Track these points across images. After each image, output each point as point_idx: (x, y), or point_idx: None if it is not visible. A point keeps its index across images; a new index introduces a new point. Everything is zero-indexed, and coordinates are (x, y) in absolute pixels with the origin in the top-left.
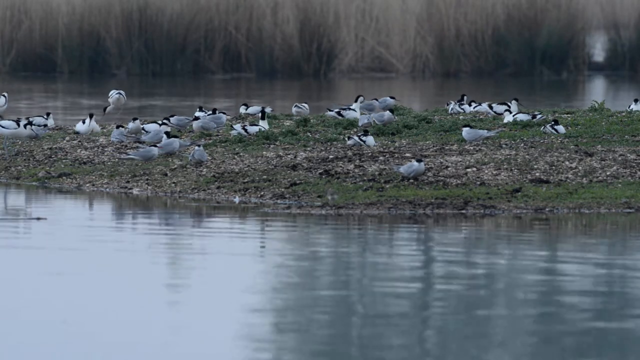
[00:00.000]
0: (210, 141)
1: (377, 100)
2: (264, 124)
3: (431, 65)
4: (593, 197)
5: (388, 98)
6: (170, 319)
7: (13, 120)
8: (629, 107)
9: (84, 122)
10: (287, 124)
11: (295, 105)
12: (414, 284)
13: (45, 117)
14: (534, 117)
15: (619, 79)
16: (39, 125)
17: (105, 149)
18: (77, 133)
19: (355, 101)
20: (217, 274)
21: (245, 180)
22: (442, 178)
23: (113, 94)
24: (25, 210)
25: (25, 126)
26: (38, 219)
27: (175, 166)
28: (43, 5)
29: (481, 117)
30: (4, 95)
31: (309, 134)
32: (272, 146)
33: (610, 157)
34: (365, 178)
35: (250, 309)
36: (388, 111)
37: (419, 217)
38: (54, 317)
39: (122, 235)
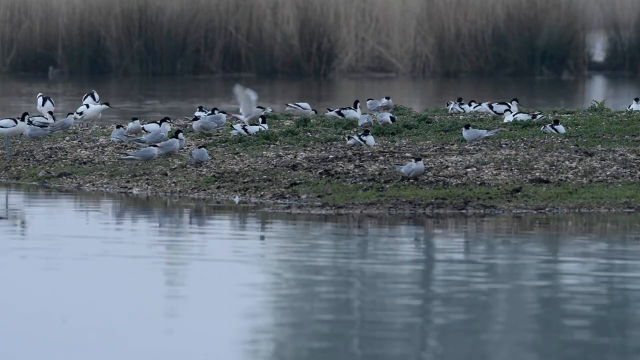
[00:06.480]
0: (210, 141)
1: (372, 99)
2: (264, 126)
3: (431, 65)
4: (593, 197)
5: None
6: (169, 322)
7: (11, 119)
8: (629, 106)
9: (87, 106)
10: (287, 124)
11: (287, 105)
12: (413, 286)
13: (46, 117)
14: (534, 117)
15: (619, 79)
16: (40, 126)
17: (105, 149)
18: (80, 113)
19: (355, 107)
20: (217, 273)
21: (245, 180)
22: (442, 178)
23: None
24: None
25: (23, 120)
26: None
27: (175, 166)
28: (43, 5)
29: (481, 117)
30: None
31: (309, 133)
32: (272, 146)
33: (610, 157)
34: (365, 178)
35: (249, 313)
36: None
37: (419, 217)
38: (54, 316)
39: (122, 235)
